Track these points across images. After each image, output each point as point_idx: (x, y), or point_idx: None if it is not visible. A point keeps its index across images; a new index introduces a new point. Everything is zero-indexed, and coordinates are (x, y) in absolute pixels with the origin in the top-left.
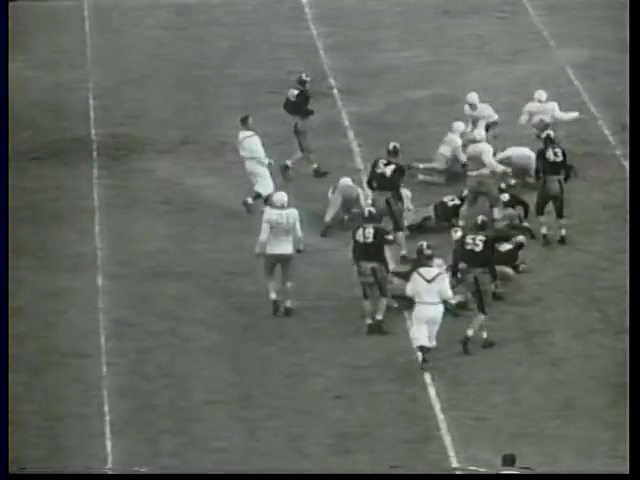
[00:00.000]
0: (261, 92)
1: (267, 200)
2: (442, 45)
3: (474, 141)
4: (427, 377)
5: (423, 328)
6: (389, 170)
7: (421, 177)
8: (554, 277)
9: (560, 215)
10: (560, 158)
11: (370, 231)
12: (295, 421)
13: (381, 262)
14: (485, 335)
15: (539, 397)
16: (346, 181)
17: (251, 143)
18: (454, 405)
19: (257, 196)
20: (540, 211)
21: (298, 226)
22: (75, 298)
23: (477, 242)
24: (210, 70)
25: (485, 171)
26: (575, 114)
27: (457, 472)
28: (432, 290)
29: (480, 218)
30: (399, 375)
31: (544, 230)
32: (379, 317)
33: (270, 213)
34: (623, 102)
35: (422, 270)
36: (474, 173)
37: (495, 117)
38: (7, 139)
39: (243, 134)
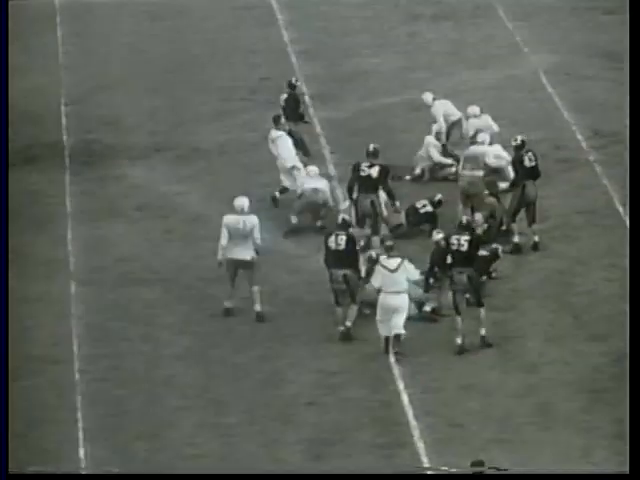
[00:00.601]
0: (234, 98)
1: (282, 192)
2: (414, 51)
3: (475, 143)
4: (400, 383)
5: (387, 317)
6: (375, 171)
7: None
8: (528, 283)
9: (534, 220)
10: (534, 162)
11: (342, 238)
12: (268, 427)
13: (354, 269)
14: (459, 341)
15: (513, 403)
16: (312, 173)
17: (282, 143)
18: (428, 411)
19: (284, 190)
20: (514, 218)
21: (257, 233)
22: (48, 304)
23: (462, 242)
24: (183, 76)
25: (478, 173)
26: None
27: (428, 472)
28: (397, 279)
29: (465, 218)
30: (372, 381)
31: (516, 239)
32: (348, 324)
33: (228, 218)
34: (596, 107)
35: (384, 261)
36: (467, 173)
37: (457, 116)
38: (7, 143)
39: (275, 133)
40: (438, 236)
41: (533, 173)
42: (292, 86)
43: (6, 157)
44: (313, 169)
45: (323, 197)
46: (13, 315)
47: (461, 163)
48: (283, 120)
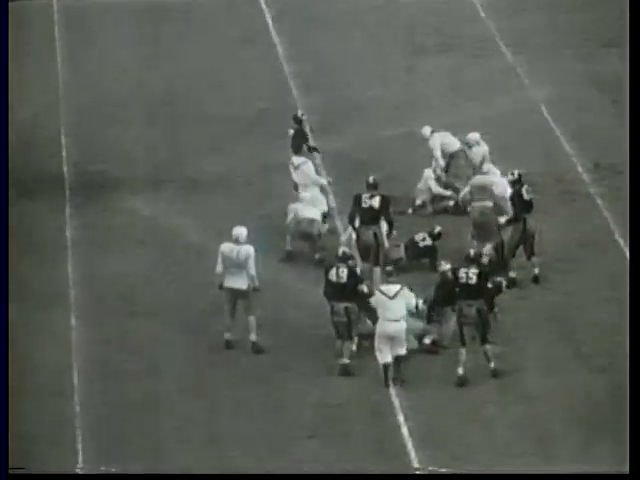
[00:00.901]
0: (234, 130)
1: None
2: (415, 83)
3: (482, 173)
4: (400, 415)
5: (386, 344)
6: (376, 202)
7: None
8: (528, 315)
9: (533, 253)
10: (531, 195)
11: (344, 271)
12: (268, 459)
13: (355, 302)
14: (461, 372)
15: (514, 435)
16: (305, 199)
17: (307, 169)
18: (428, 443)
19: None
20: (514, 252)
21: (251, 263)
22: (48, 336)
23: (471, 275)
24: (183, 108)
25: (489, 203)
26: None
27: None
28: (394, 307)
29: (472, 251)
30: (372, 413)
31: (513, 273)
32: (345, 361)
33: (224, 246)
34: (596, 139)
35: (383, 287)
36: (478, 204)
37: (456, 147)
38: (7, 174)
39: (297, 160)
40: (445, 267)
41: (530, 206)
42: (298, 120)
43: (6, 189)
44: (307, 195)
45: (318, 227)
46: (13, 347)
47: (464, 192)
48: (305, 147)
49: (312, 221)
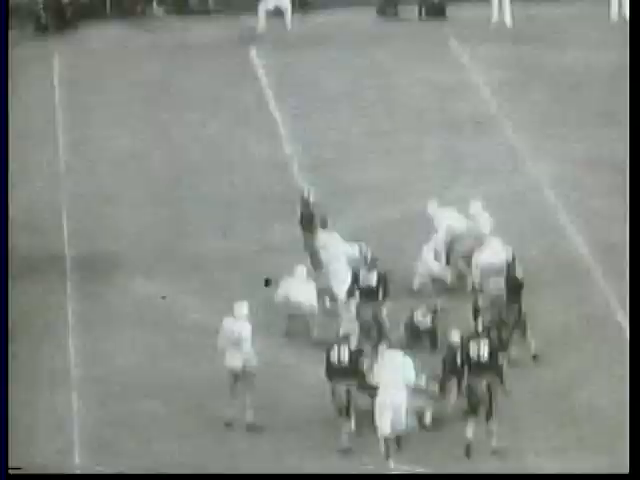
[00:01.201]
0: (235, 209)
1: (351, 292)
2: (415, 162)
3: (489, 248)
4: None
5: (387, 415)
6: (373, 280)
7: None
8: (527, 393)
9: (526, 330)
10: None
11: (345, 351)
12: None
13: (355, 380)
14: (470, 435)
15: None
16: (298, 274)
17: (335, 242)
18: None
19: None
20: (512, 331)
21: (244, 342)
22: (49, 414)
23: (482, 349)
24: (185, 187)
25: (501, 280)
26: None
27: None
28: (397, 375)
29: (480, 325)
30: None
31: (513, 352)
32: (345, 442)
33: (225, 321)
34: (596, 218)
35: (386, 354)
36: (491, 287)
37: (462, 223)
38: (7, 252)
39: (323, 236)
40: (455, 337)
41: (523, 285)
42: (306, 200)
43: (6, 267)
44: (301, 271)
45: (310, 310)
46: (14, 424)
47: (475, 275)
48: (330, 223)
49: (299, 304)
